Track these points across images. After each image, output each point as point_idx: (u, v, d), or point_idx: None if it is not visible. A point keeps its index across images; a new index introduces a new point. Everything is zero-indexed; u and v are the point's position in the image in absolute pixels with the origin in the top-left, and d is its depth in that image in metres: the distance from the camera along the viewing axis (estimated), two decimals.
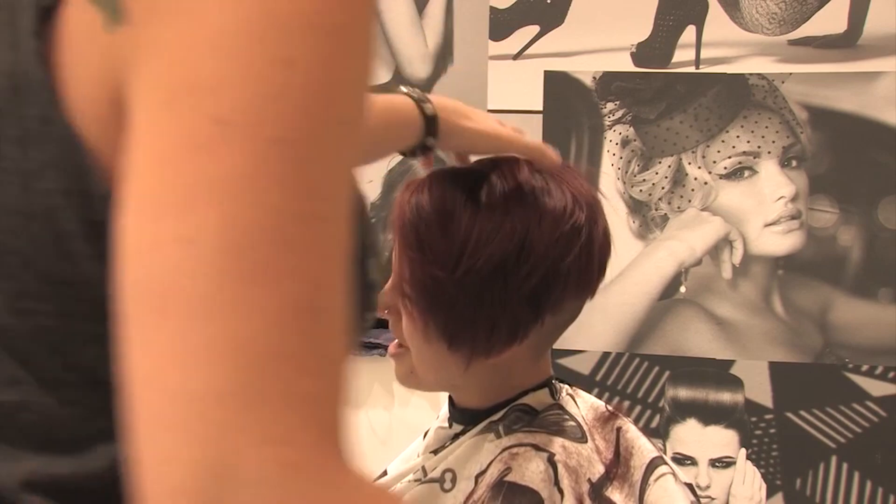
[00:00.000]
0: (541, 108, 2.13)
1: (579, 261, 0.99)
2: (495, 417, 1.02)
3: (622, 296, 2.11)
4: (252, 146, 0.45)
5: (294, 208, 0.45)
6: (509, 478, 0.94)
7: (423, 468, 1.04)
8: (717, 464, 2.09)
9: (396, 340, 1.05)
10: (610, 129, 2.11)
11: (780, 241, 2.06)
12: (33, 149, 0.50)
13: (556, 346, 1.09)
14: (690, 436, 2.10)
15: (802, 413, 2.06)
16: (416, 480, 1.04)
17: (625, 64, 2.11)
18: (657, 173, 2.10)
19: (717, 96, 2.06)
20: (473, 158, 1.06)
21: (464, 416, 1.06)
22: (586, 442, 1.00)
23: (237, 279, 0.44)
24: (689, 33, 2.09)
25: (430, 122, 0.98)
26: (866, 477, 2.04)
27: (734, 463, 2.09)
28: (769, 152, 2.05)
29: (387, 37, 2.21)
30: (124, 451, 0.53)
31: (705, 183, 2.08)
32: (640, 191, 2.11)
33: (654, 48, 2.10)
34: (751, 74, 2.05)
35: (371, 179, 2.21)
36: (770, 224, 2.06)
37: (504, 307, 0.98)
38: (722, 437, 2.09)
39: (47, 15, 0.49)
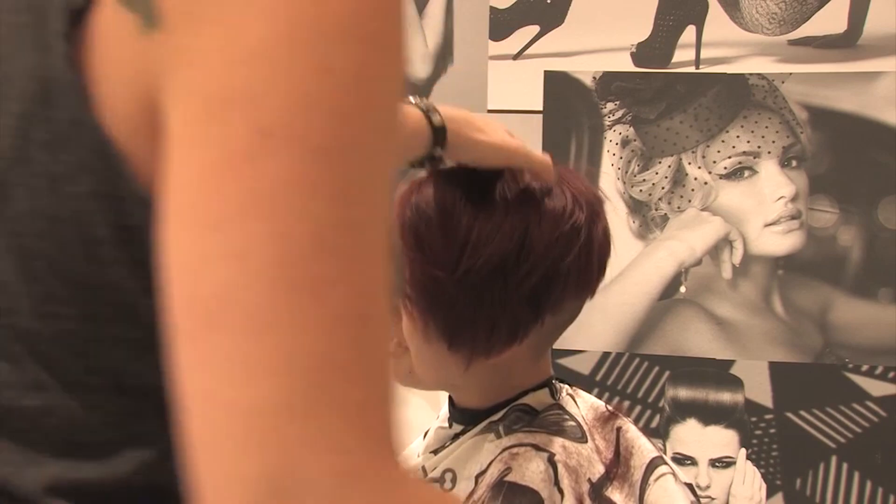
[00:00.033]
0: (541, 108, 2.13)
1: (579, 261, 0.99)
2: (495, 417, 1.02)
3: (622, 296, 2.11)
4: (296, 156, 0.44)
5: (339, 217, 0.45)
6: (509, 478, 0.94)
7: (423, 468, 1.04)
8: (717, 464, 2.09)
9: (396, 340, 1.05)
10: (610, 129, 2.11)
11: (780, 241, 2.06)
12: (63, 152, 0.50)
13: (556, 346, 1.09)
14: (690, 436, 2.10)
15: (802, 413, 2.06)
16: None
17: (625, 64, 2.11)
18: (657, 173, 2.10)
19: (717, 96, 2.06)
20: None
21: (464, 416, 1.06)
22: (586, 442, 1.00)
23: (289, 292, 0.44)
24: (689, 33, 2.09)
25: (438, 133, 0.97)
26: (866, 477, 2.04)
27: (734, 463, 2.08)
28: (769, 152, 2.05)
29: None
30: (152, 456, 0.53)
31: (705, 183, 2.08)
32: (640, 191, 2.11)
33: (654, 48, 2.10)
34: (751, 74, 2.05)
35: None
36: (770, 224, 2.06)
37: (504, 307, 0.98)
38: (722, 437, 2.09)
39: (77, 18, 0.49)
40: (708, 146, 2.07)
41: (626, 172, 2.11)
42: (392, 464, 0.46)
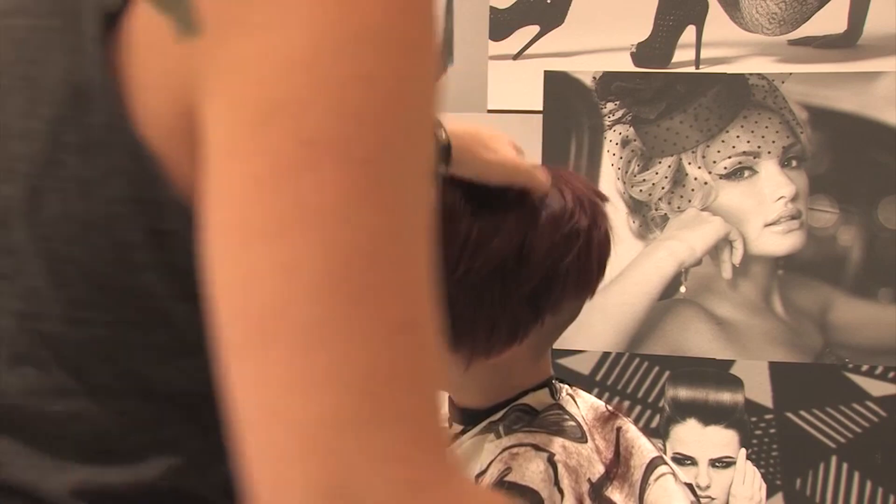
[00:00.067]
0: (541, 108, 2.13)
1: (578, 261, 0.99)
2: (495, 417, 1.02)
3: (622, 296, 2.11)
4: (341, 167, 0.44)
5: (386, 226, 0.45)
6: (509, 478, 0.94)
7: None
8: (717, 464, 2.09)
9: None
10: (610, 129, 2.11)
11: (780, 241, 2.06)
12: (96, 157, 0.49)
13: (556, 346, 1.09)
14: (690, 436, 2.10)
15: (802, 413, 2.06)
16: None
17: (625, 64, 2.11)
18: (657, 173, 2.10)
19: (717, 96, 2.06)
20: None
21: (463, 416, 1.06)
22: (586, 442, 1.00)
23: (342, 304, 0.44)
24: (689, 33, 2.09)
25: (443, 150, 0.97)
26: (866, 477, 2.04)
27: (734, 463, 2.08)
28: (769, 152, 2.05)
29: None
30: (179, 462, 0.52)
31: (705, 183, 2.08)
32: (640, 191, 2.11)
33: (654, 48, 2.10)
34: (751, 74, 2.05)
35: None
36: (770, 224, 2.06)
37: (504, 307, 0.98)
38: (722, 437, 2.09)
39: (111, 21, 0.48)
40: (708, 146, 2.07)
41: (626, 172, 2.11)
42: (449, 470, 0.46)
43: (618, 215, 2.10)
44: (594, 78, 2.12)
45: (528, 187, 1.00)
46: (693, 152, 2.08)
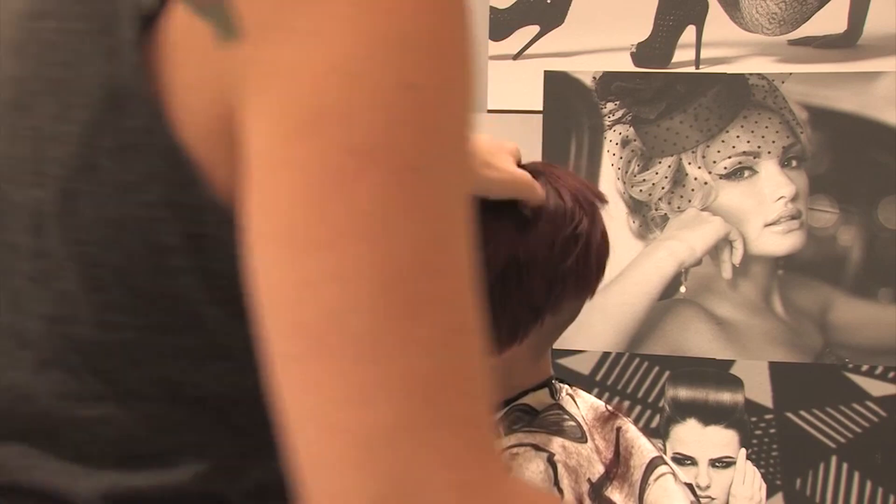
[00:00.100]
0: (541, 108, 2.13)
1: (578, 262, 0.99)
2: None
3: (622, 296, 2.10)
4: (389, 175, 0.44)
5: (434, 234, 0.45)
6: None
7: None
8: (717, 464, 2.09)
9: None
10: (610, 129, 2.11)
11: (780, 241, 2.06)
12: (132, 160, 0.49)
13: (556, 346, 1.09)
14: (690, 436, 2.10)
15: (802, 413, 2.06)
16: None
17: (625, 64, 2.11)
18: (657, 173, 2.10)
19: (717, 96, 2.06)
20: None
21: None
22: (586, 442, 1.00)
23: (395, 313, 0.44)
24: (689, 33, 2.09)
25: None
26: (866, 477, 2.04)
27: (734, 463, 2.08)
28: (769, 152, 2.05)
29: None
30: (209, 466, 0.52)
31: (705, 183, 2.08)
32: (640, 191, 2.11)
33: (654, 48, 2.10)
34: (751, 74, 2.05)
35: None
36: (770, 224, 2.06)
37: (504, 307, 0.98)
38: (722, 437, 2.09)
39: (147, 24, 0.48)
40: (708, 146, 2.07)
41: (626, 172, 2.11)
42: (502, 473, 0.47)
43: (618, 215, 2.10)
44: (594, 78, 2.12)
45: (525, 199, 1.00)
46: (693, 152, 2.08)
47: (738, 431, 2.08)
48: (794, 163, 2.05)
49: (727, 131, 2.06)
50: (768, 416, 2.07)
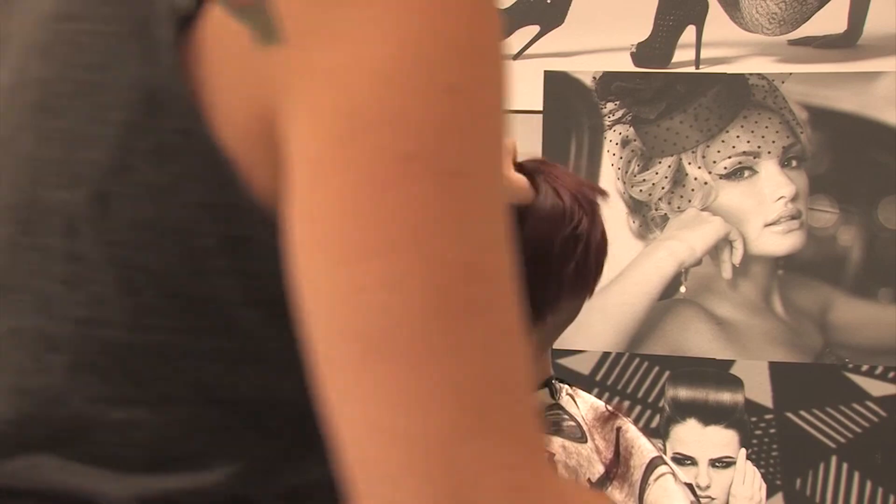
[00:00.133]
0: (541, 108, 2.13)
1: (577, 262, 0.99)
2: None
3: (622, 296, 2.10)
4: (437, 180, 0.45)
5: (481, 238, 0.46)
6: None
7: None
8: (717, 464, 2.09)
9: None
10: (610, 129, 2.11)
11: (780, 241, 2.06)
12: (169, 162, 0.49)
13: (556, 346, 1.09)
14: (690, 436, 2.10)
15: (802, 413, 2.06)
16: None
17: (625, 64, 2.11)
18: (657, 173, 2.10)
19: (717, 96, 2.06)
20: None
21: None
22: (586, 442, 1.00)
23: (448, 318, 0.45)
24: (689, 33, 2.09)
25: None
26: (866, 477, 2.04)
27: (734, 463, 2.09)
28: (769, 152, 2.05)
29: None
30: (241, 469, 0.52)
31: (705, 183, 2.08)
32: (640, 191, 2.11)
33: (654, 48, 2.10)
34: (751, 74, 2.05)
35: None
36: (770, 224, 2.06)
37: None
38: (722, 437, 2.09)
39: (184, 26, 0.48)
40: (708, 146, 2.07)
41: (626, 172, 2.11)
42: (550, 471, 0.47)
43: (618, 215, 2.10)
44: (594, 78, 2.12)
45: (516, 202, 1.00)
46: (693, 152, 2.08)
47: (738, 431, 2.08)
48: (794, 163, 2.05)
49: (727, 131, 2.06)
50: (768, 416, 2.07)
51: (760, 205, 2.06)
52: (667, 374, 2.11)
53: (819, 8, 2.04)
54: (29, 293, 0.53)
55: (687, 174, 2.08)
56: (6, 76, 0.54)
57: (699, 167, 2.08)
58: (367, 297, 0.44)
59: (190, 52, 0.48)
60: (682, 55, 2.09)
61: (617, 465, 1.01)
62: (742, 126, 2.05)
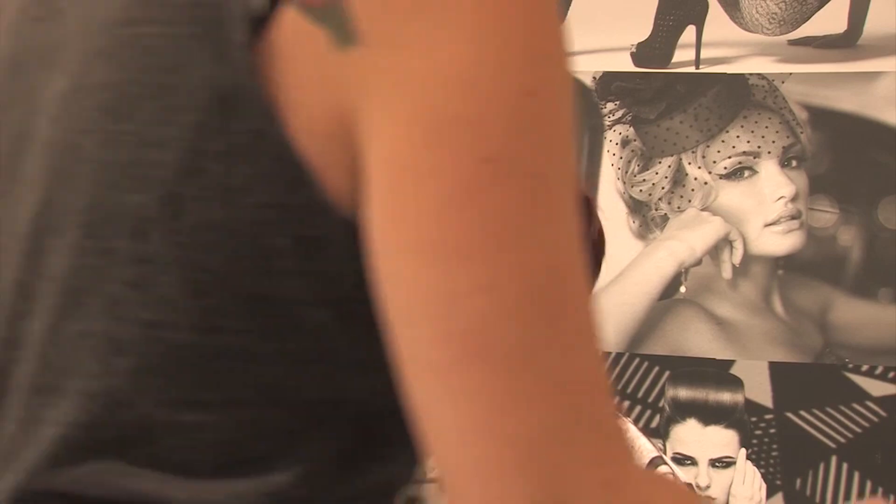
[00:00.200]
0: None
1: None
2: None
3: (622, 296, 2.11)
4: (522, 184, 0.46)
5: (560, 238, 0.47)
6: None
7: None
8: (717, 464, 2.09)
9: None
10: (610, 129, 2.11)
11: (780, 241, 2.06)
12: (241, 163, 0.49)
13: None
14: (690, 436, 2.10)
15: (802, 413, 2.06)
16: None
17: (625, 64, 2.11)
18: (657, 173, 2.10)
19: (717, 96, 2.06)
20: None
21: None
22: None
23: (540, 319, 0.46)
24: (689, 33, 2.09)
25: None
26: (866, 477, 2.04)
27: (734, 463, 2.09)
28: (769, 152, 2.05)
29: None
30: (305, 471, 0.52)
31: (705, 183, 2.08)
32: (640, 191, 2.11)
33: (654, 48, 2.10)
34: (751, 74, 2.05)
35: None
36: (770, 224, 2.06)
37: None
38: (722, 437, 2.09)
39: (257, 27, 0.48)
40: (708, 146, 2.07)
41: (626, 172, 2.11)
42: (636, 464, 0.49)
43: (618, 215, 2.10)
44: (594, 78, 2.12)
45: None
46: (693, 152, 2.08)
47: (738, 431, 2.08)
48: (794, 163, 2.05)
49: (727, 131, 2.06)
50: (768, 416, 2.07)
51: (760, 205, 2.06)
52: (667, 374, 2.11)
53: (819, 8, 2.04)
54: (95, 296, 0.53)
55: (687, 174, 2.08)
56: (62, 82, 0.54)
57: (699, 167, 2.08)
58: (463, 301, 0.45)
59: (263, 54, 0.48)
60: (682, 55, 2.09)
61: None
62: (742, 126, 2.05)
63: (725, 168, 2.07)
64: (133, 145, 0.51)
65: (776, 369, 2.06)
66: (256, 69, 0.48)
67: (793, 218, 2.05)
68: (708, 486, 2.10)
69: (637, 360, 2.12)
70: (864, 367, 2.03)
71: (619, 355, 2.13)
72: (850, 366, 2.03)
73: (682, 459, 2.10)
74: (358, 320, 0.50)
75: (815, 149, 2.04)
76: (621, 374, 2.13)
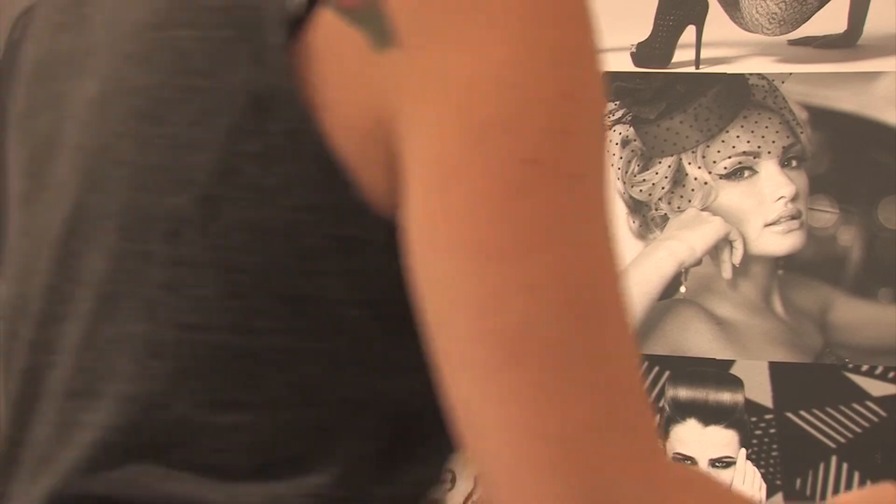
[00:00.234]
0: None
1: None
2: None
3: None
4: (561, 185, 0.46)
5: (598, 237, 0.48)
6: None
7: None
8: (717, 464, 2.09)
9: None
10: (610, 129, 2.11)
11: (780, 241, 2.06)
12: (278, 164, 0.49)
13: None
14: (690, 436, 2.10)
15: (802, 413, 2.06)
16: None
17: (625, 64, 2.11)
18: (657, 173, 2.10)
19: (717, 96, 2.06)
20: None
21: None
22: None
23: (581, 319, 0.46)
24: (689, 33, 2.09)
25: None
26: (866, 477, 2.04)
27: (734, 463, 2.09)
28: (769, 152, 2.05)
29: None
30: (340, 471, 0.52)
31: (705, 183, 2.08)
32: (640, 191, 2.11)
33: (654, 48, 2.10)
34: (751, 74, 2.05)
35: None
36: (770, 224, 2.06)
37: None
38: (722, 437, 2.09)
39: (294, 29, 0.48)
40: (708, 146, 2.07)
41: (626, 172, 2.11)
42: (668, 458, 0.50)
43: (618, 215, 2.10)
44: None
45: None
46: (693, 152, 2.08)
47: (738, 431, 2.08)
48: (794, 163, 2.05)
49: (727, 131, 2.06)
50: (768, 416, 2.07)
51: (760, 205, 2.06)
52: (667, 374, 2.11)
53: (819, 8, 2.04)
54: (132, 299, 0.53)
55: (687, 174, 2.08)
56: (93, 86, 0.54)
57: (699, 167, 2.08)
58: (506, 301, 0.46)
59: (300, 56, 0.49)
60: (682, 55, 2.09)
61: None
62: (742, 126, 2.05)
63: (725, 168, 2.07)
64: (167, 148, 0.51)
65: (776, 369, 2.06)
66: (293, 71, 0.48)
67: (793, 218, 2.05)
68: None
69: None
70: (864, 367, 2.03)
71: None
72: (850, 366, 2.03)
73: (682, 459, 2.10)
74: (395, 320, 0.50)
75: (815, 149, 2.04)
76: None
